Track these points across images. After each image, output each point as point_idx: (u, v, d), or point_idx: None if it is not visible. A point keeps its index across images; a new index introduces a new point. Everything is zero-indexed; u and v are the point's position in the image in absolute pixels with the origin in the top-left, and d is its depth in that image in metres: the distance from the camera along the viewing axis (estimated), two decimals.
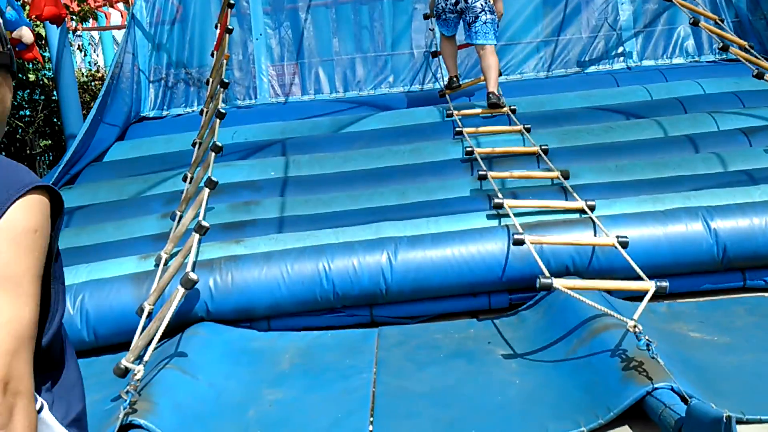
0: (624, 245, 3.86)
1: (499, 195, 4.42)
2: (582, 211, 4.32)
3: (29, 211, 1.35)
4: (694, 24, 6.18)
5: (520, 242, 3.85)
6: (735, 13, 7.49)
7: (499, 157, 5.27)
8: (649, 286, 3.43)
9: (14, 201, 1.34)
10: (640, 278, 3.56)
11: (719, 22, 6.61)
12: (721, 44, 6.03)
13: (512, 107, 5.90)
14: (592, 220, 4.17)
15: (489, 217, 4.41)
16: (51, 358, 1.46)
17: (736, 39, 6.25)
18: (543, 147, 5.12)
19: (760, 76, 5.45)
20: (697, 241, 4.05)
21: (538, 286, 3.41)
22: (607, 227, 4.05)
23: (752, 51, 6.10)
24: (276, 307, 4.11)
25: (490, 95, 5.95)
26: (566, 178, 4.74)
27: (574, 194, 4.46)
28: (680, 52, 7.44)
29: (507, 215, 4.28)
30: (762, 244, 4.03)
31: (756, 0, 7.33)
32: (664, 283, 3.43)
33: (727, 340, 3.42)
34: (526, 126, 5.51)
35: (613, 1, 7.57)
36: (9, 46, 1.53)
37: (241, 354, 3.79)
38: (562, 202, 4.45)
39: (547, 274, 3.51)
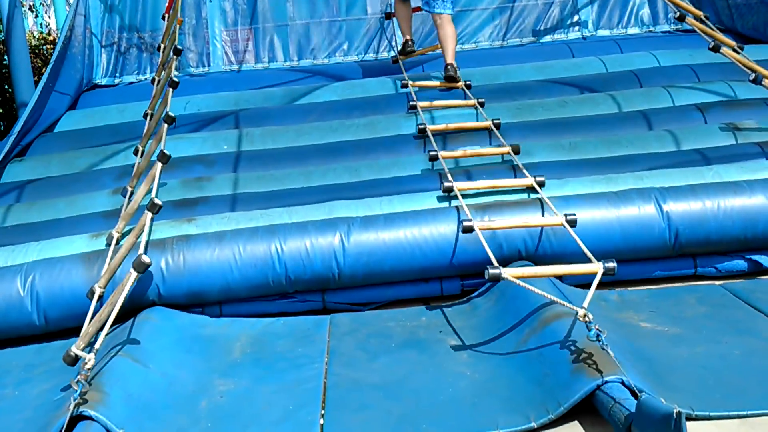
0: (572, 224, 3.85)
1: (449, 177, 4.38)
2: (532, 189, 4.32)
3: None
4: None
5: (469, 229, 3.83)
6: None
7: (453, 132, 5.24)
8: (597, 267, 3.43)
9: None
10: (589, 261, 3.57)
11: None
12: (678, 14, 6.02)
13: (467, 82, 5.86)
14: (540, 199, 4.18)
15: (441, 197, 4.39)
16: None
17: (692, 8, 6.24)
18: (495, 121, 5.10)
19: (715, 49, 5.45)
20: (650, 225, 4.05)
21: (486, 277, 3.40)
22: (560, 208, 4.03)
23: (707, 22, 6.10)
24: (228, 291, 4.07)
25: (449, 67, 5.88)
26: (516, 153, 4.72)
27: (524, 171, 4.45)
28: (636, 22, 7.44)
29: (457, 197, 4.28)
30: (713, 229, 4.04)
31: None
32: (612, 264, 3.41)
33: (677, 330, 3.43)
34: (480, 100, 5.48)
35: None
36: None
37: (193, 341, 3.75)
38: (512, 180, 4.44)
39: (495, 263, 3.49)
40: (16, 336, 4.02)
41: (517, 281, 3.34)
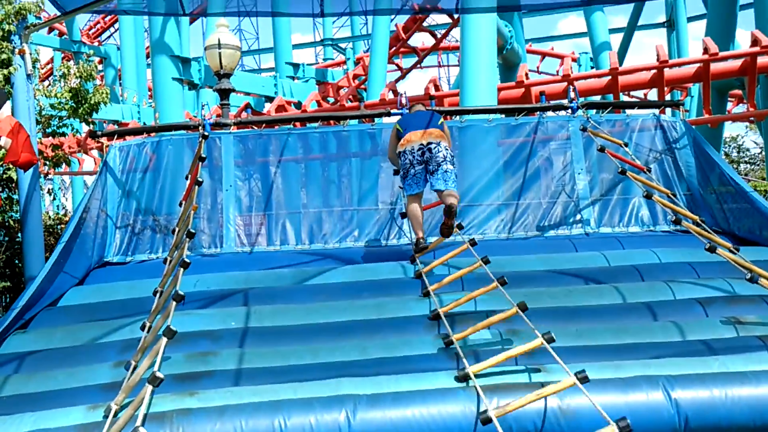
0: (583, 380, 3.90)
1: (465, 361, 4.41)
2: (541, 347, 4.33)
3: None
4: (647, 197, 6.45)
5: (488, 421, 3.83)
6: (687, 186, 7.82)
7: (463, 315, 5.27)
8: (612, 428, 3.51)
9: None
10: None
11: (671, 196, 6.89)
12: (674, 217, 6.27)
13: (472, 238, 6.01)
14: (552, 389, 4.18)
15: (450, 377, 4.38)
16: None
17: (688, 213, 6.53)
18: (500, 279, 5.15)
19: (712, 249, 5.66)
20: (659, 411, 4.08)
21: None
22: (569, 393, 4.06)
23: (704, 225, 6.34)
24: None
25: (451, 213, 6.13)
26: (524, 310, 4.74)
27: (532, 326, 4.48)
28: (636, 221, 7.71)
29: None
30: (723, 416, 4.07)
31: (706, 175, 7.66)
32: (626, 422, 3.49)
33: None
34: (486, 260, 5.56)
35: (570, 171, 7.88)
36: None
37: None
38: (521, 347, 4.45)
39: None
40: None
41: None
